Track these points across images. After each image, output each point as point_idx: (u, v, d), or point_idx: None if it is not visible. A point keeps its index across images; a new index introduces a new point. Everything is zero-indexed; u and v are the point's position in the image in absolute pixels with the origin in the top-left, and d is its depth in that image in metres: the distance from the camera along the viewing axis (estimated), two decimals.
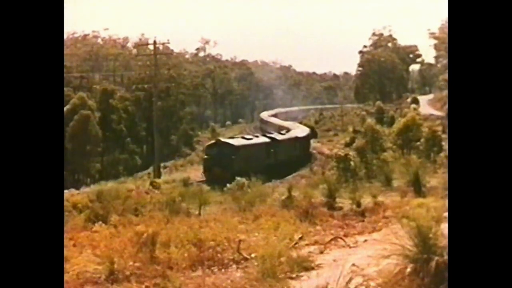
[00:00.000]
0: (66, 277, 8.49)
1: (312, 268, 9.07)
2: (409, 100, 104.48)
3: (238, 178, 25.79)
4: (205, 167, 45.68)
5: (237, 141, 51.35)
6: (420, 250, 7.00)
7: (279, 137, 58.31)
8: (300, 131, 70.47)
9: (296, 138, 63.02)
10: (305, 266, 9.08)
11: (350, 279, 7.27)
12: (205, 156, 49.05)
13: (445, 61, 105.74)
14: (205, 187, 23.03)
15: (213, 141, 52.25)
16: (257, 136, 58.13)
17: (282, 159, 52.02)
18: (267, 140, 55.11)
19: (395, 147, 47.21)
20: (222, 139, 53.14)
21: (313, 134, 76.68)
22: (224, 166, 40.92)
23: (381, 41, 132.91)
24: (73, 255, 10.17)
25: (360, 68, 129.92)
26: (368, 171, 34.30)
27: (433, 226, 7.19)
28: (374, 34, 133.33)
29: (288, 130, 70.88)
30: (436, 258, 6.83)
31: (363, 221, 14.82)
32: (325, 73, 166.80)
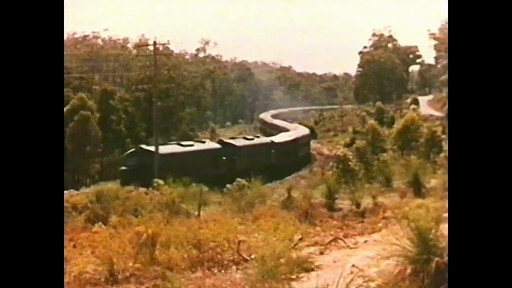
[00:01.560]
0: (66, 278, 8.48)
1: (312, 269, 9.08)
2: (409, 100, 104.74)
3: (238, 179, 25.70)
4: (122, 180, 36.72)
5: (163, 149, 44.05)
6: (420, 251, 7.01)
7: (239, 143, 51.32)
8: (288, 134, 64.81)
9: (271, 144, 55.67)
10: (305, 267, 9.08)
11: (350, 280, 7.26)
12: (122, 168, 41.12)
13: (445, 62, 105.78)
14: (205, 188, 22.96)
15: (132, 149, 44.49)
16: (203, 142, 51.32)
17: (244, 169, 40.95)
18: (215, 146, 48.23)
19: (395, 147, 47.28)
20: (144, 147, 45.11)
21: (307, 137, 71.12)
22: (145, 179, 29.98)
23: (381, 42, 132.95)
24: (73, 256, 10.17)
25: (360, 69, 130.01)
26: (367, 171, 34.32)
27: (433, 227, 7.20)
28: (374, 34, 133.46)
29: (272, 133, 66.43)
30: (436, 259, 6.83)
31: (363, 222, 14.83)
32: (325, 74, 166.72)
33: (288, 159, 55.63)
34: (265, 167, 41.09)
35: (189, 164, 39.63)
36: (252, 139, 56.26)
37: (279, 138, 61.06)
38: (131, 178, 32.50)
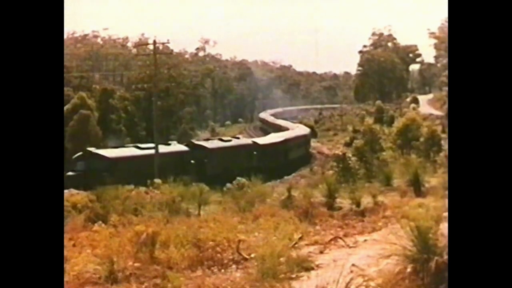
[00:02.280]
0: (66, 277, 8.48)
1: (312, 268, 9.08)
2: (408, 99, 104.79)
3: (238, 178, 25.69)
4: (69, 187, 30.61)
5: (113, 152, 40.01)
6: (420, 250, 7.01)
7: (211, 145, 47.91)
8: (277, 135, 61.21)
9: (253, 146, 51.66)
10: (305, 266, 9.09)
11: (350, 279, 7.26)
12: (69, 173, 35.35)
13: (445, 61, 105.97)
14: (205, 187, 22.97)
15: (80, 153, 40.31)
16: (168, 144, 46.81)
17: (217, 173, 39.66)
18: (182, 149, 44.88)
19: (394, 146, 47.23)
20: (93, 150, 40.77)
21: (303, 137, 66.82)
22: (93, 187, 23.80)
23: (381, 41, 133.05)
24: (73, 255, 10.17)
25: (360, 68, 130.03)
26: (367, 171, 34.29)
27: (432, 226, 7.21)
28: (374, 33, 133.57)
29: (260, 134, 63.69)
30: (436, 258, 6.84)
31: (363, 221, 14.82)
32: (325, 73, 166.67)
33: (276, 162, 50.69)
34: (245, 171, 34.19)
35: (148, 168, 35.55)
36: (230, 140, 52.45)
37: (265, 139, 57.89)
38: (78, 185, 27.03)
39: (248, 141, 54.99)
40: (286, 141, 58.11)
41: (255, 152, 50.52)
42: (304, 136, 67.80)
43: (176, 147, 45.59)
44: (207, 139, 54.74)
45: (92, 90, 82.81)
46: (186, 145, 46.89)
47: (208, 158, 44.48)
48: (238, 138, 57.54)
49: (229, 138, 55.51)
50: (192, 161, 42.77)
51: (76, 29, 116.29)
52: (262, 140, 56.61)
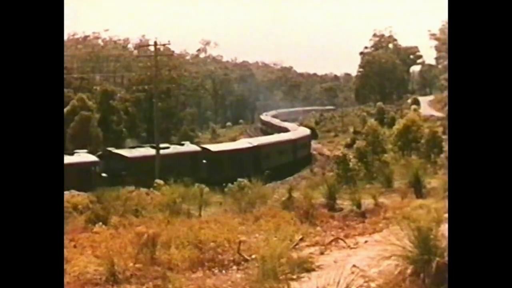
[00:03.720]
0: (66, 278, 8.50)
1: (313, 269, 9.08)
2: (409, 101, 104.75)
3: (239, 179, 25.65)
4: None
5: None
6: (420, 251, 7.01)
7: (133, 153, 41.71)
8: (247, 141, 54.79)
9: (201, 153, 45.31)
10: (305, 267, 9.09)
11: (351, 280, 7.26)
12: None
13: (446, 62, 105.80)
14: (206, 188, 22.98)
15: None
16: (71, 154, 40.11)
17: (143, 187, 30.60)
18: (90, 159, 39.22)
19: (395, 148, 47.16)
20: None
21: (289, 142, 59.88)
22: None
23: (381, 42, 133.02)
24: (74, 256, 10.19)
25: (361, 69, 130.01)
26: (368, 172, 34.29)
27: (433, 227, 7.21)
28: (375, 35, 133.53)
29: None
30: (437, 259, 6.84)
31: (363, 222, 14.82)
32: (326, 74, 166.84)
33: (239, 172, 35.22)
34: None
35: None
36: (167, 147, 44.95)
37: (224, 145, 51.56)
38: None
39: (196, 148, 47.93)
40: (257, 147, 50.27)
41: (204, 161, 44.27)
42: (292, 141, 59.64)
43: (81, 157, 39.49)
44: (135, 146, 47.82)
45: (93, 91, 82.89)
46: (100, 155, 41.10)
47: (127, 170, 37.97)
48: (182, 144, 49.38)
49: (167, 145, 46.92)
50: (104, 174, 37.08)
51: (77, 30, 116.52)
52: (218, 147, 49.65)
